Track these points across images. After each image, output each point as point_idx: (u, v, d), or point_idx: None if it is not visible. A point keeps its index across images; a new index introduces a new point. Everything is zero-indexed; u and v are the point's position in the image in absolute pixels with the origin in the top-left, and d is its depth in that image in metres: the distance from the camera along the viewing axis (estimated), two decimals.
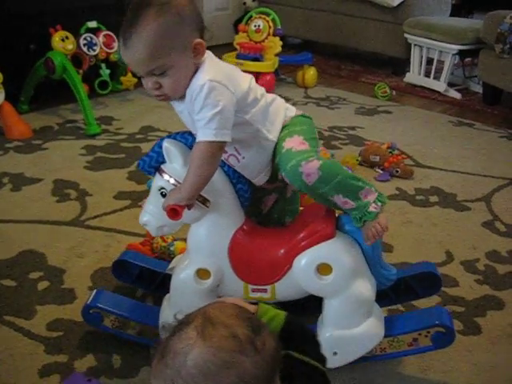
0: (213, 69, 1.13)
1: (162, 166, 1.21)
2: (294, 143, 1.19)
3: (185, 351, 0.72)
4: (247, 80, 1.21)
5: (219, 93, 1.09)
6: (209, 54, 1.17)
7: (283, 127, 1.25)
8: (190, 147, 1.19)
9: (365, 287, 1.21)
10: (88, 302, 1.34)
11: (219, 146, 1.12)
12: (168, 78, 1.11)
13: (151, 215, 1.22)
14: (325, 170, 1.15)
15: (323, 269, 1.20)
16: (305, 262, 1.20)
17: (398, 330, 1.28)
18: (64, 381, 1.21)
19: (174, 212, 1.14)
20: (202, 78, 1.10)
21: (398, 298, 1.43)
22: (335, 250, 1.20)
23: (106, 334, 1.36)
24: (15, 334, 1.38)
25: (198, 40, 1.11)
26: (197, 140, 1.12)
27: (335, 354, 1.24)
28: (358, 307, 1.22)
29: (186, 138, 1.21)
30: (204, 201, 1.19)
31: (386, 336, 1.26)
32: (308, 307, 1.37)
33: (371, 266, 1.24)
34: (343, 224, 1.24)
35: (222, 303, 0.85)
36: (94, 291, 1.38)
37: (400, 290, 1.40)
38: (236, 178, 1.24)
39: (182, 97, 1.15)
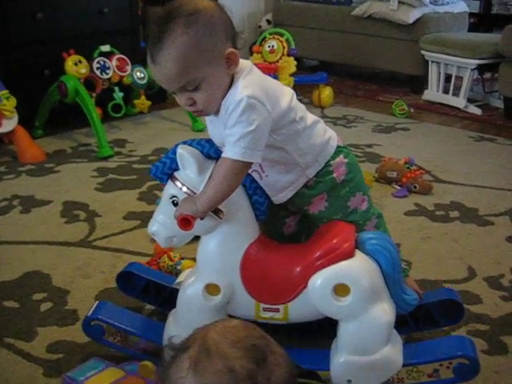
0: (252, 82, 1.07)
1: (175, 173, 1.15)
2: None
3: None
4: (288, 97, 1.14)
5: (256, 111, 1.04)
6: (248, 64, 1.11)
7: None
8: (206, 155, 1.14)
9: (384, 311, 1.12)
10: (89, 314, 1.28)
11: (245, 166, 1.07)
12: (201, 92, 1.06)
13: (161, 224, 1.15)
14: (378, 227, 1.30)
15: (340, 290, 1.11)
16: (321, 281, 1.11)
17: (418, 359, 1.18)
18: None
19: (185, 222, 1.08)
20: (240, 93, 1.04)
21: (417, 325, 1.34)
22: (354, 270, 1.12)
23: (107, 355, 1.30)
24: (14, 356, 1.32)
25: (230, 50, 1.06)
26: (223, 155, 1.07)
27: (349, 381, 1.15)
28: (376, 332, 1.12)
29: (203, 145, 1.14)
30: (217, 211, 1.12)
31: (404, 365, 1.16)
32: (322, 331, 1.29)
33: (391, 289, 1.15)
34: (363, 242, 1.16)
35: (228, 322, 0.77)
36: (96, 302, 1.32)
37: (419, 316, 1.31)
38: (252, 190, 1.17)
39: (218, 110, 1.09)
